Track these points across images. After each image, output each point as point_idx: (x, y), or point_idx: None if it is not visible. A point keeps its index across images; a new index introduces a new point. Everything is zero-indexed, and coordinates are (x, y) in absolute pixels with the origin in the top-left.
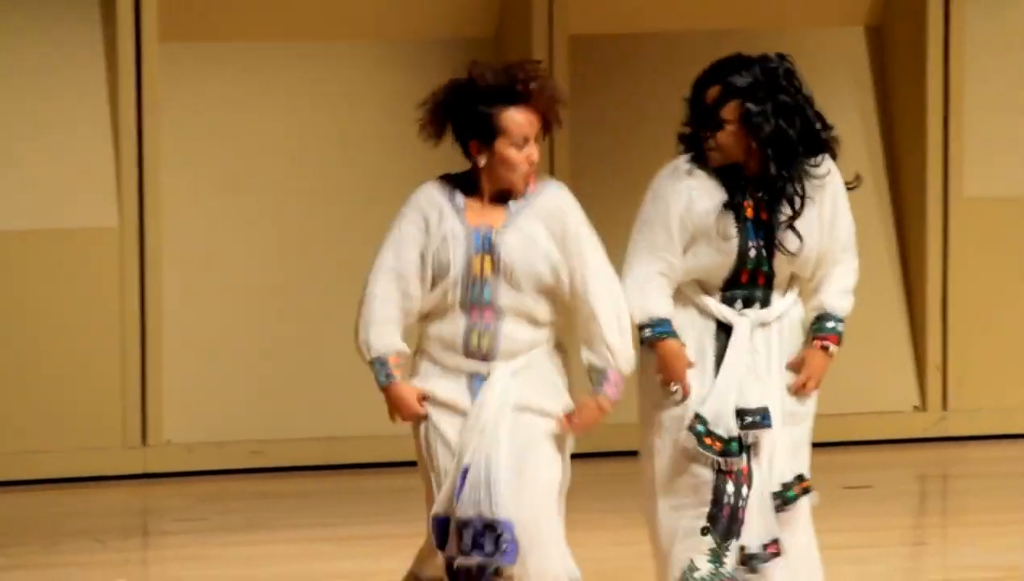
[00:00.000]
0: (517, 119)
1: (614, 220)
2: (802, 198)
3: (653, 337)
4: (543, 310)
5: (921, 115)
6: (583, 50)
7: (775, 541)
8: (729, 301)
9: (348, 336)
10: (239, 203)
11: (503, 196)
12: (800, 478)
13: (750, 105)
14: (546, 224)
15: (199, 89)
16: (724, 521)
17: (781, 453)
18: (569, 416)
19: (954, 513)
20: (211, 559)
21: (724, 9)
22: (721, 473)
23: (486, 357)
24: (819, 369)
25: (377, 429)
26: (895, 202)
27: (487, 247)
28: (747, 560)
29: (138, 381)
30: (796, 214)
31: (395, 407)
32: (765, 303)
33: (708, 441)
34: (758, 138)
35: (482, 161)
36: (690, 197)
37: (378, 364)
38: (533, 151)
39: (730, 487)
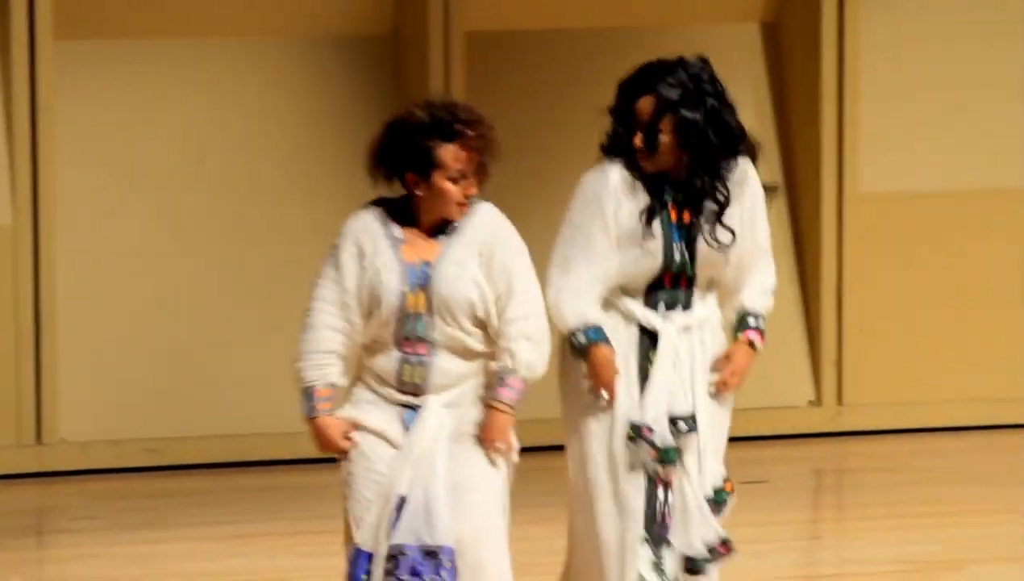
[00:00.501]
0: (454, 154)
1: (511, 215)
2: (726, 196)
3: (588, 343)
4: (477, 342)
5: (816, 111)
6: (479, 47)
7: (725, 541)
8: (652, 304)
9: (244, 334)
10: (134, 201)
11: (439, 226)
12: (725, 479)
13: (685, 113)
14: (478, 251)
15: (94, 87)
16: (656, 529)
17: (709, 457)
18: (483, 437)
19: (849, 507)
20: (107, 558)
21: (620, 6)
22: (653, 481)
23: (418, 390)
24: (743, 364)
25: (273, 427)
26: (790, 198)
27: (423, 282)
28: (692, 566)
29: (32, 379)
30: (722, 208)
31: (317, 440)
32: (687, 306)
33: (649, 451)
34: (688, 145)
35: (419, 193)
36: (618, 201)
37: (306, 395)
38: (470, 187)
39: (660, 494)
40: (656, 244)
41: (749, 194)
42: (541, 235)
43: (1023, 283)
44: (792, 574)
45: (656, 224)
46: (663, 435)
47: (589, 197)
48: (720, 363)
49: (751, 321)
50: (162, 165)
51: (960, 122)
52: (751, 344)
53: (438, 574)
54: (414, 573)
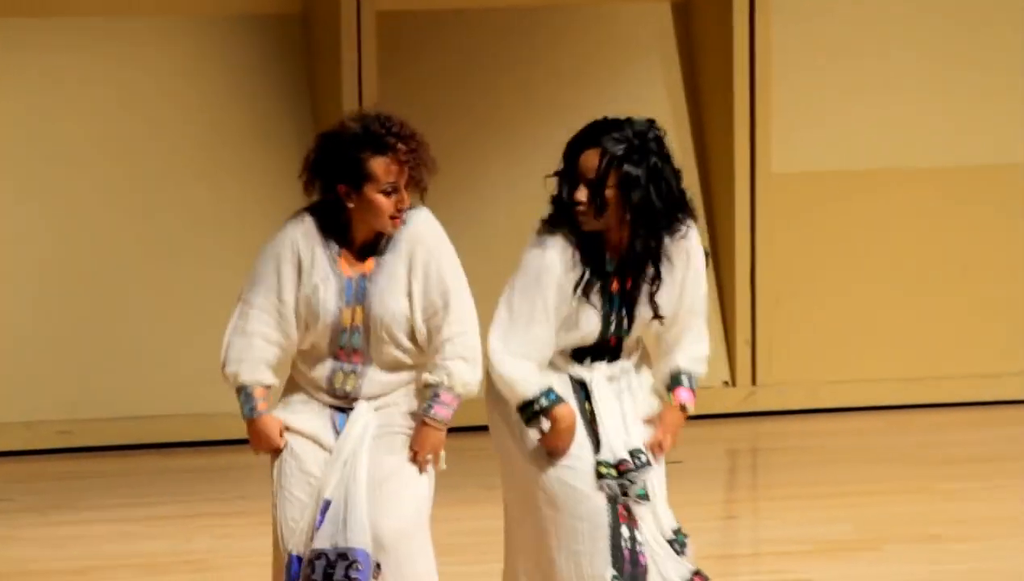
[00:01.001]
0: (385, 167)
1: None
2: (658, 271)
3: (549, 405)
4: (412, 353)
5: (728, 91)
6: (391, 27)
7: (697, 572)
8: (578, 358)
9: (155, 315)
10: (40, 181)
11: (374, 238)
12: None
13: (628, 169)
14: (411, 263)
15: (6, 64)
16: (628, 567)
17: (660, 498)
18: (412, 449)
19: (764, 487)
20: (19, 540)
21: None
22: (616, 518)
23: (349, 396)
24: (674, 426)
25: (186, 408)
26: (703, 178)
27: (360, 297)
28: None
29: None
30: (657, 285)
31: (256, 439)
32: (613, 358)
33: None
34: (629, 203)
35: (351, 205)
36: (559, 279)
37: (244, 395)
38: (402, 200)
39: (625, 531)
40: (594, 316)
41: (684, 255)
42: (453, 218)
43: (937, 262)
44: (708, 554)
45: (594, 296)
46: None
47: (531, 275)
48: (651, 421)
49: (684, 380)
50: (66, 145)
51: (872, 101)
52: (683, 407)
53: (347, 576)
54: (326, 576)
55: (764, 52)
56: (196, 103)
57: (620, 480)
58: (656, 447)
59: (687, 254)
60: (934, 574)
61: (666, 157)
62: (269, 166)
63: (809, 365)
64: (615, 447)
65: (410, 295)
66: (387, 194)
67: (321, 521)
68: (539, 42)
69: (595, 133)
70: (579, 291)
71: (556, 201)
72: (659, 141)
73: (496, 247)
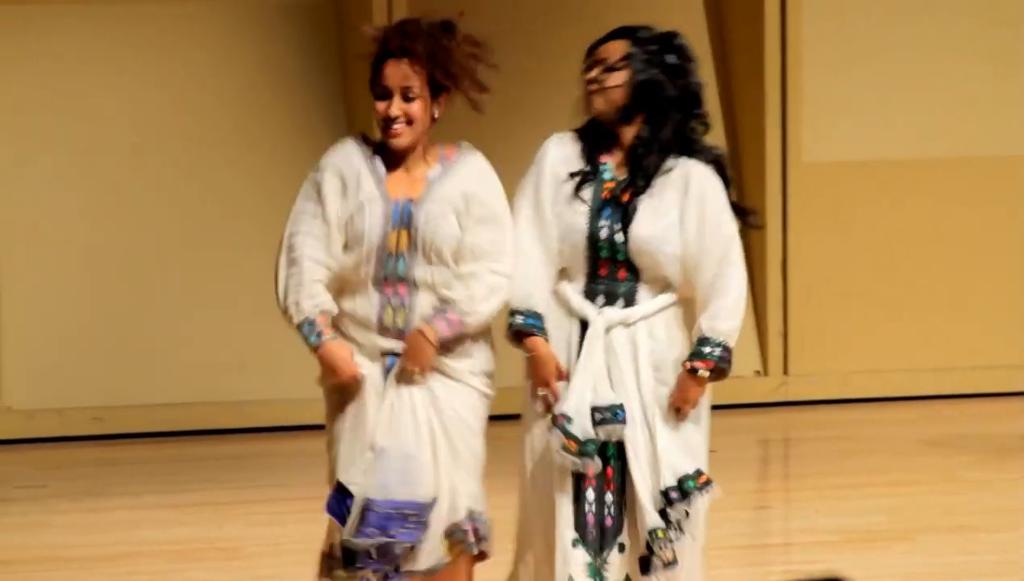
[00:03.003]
0: (384, 71)
1: None
2: (647, 178)
3: (522, 327)
4: (444, 281)
5: (759, 81)
6: (424, 11)
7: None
8: (591, 296)
9: (189, 302)
10: (74, 168)
11: (407, 160)
12: (699, 472)
13: (645, 52)
14: (461, 197)
15: (22, 52)
16: (592, 532)
17: (672, 451)
18: (403, 357)
19: (796, 477)
20: (52, 526)
21: None
22: (581, 478)
23: (401, 334)
24: (689, 394)
25: (219, 395)
26: (735, 168)
27: (406, 221)
28: (644, 567)
29: None
30: (644, 185)
31: (330, 367)
32: (630, 301)
33: (567, 442)
34: (637, 84)
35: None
36: (555, 165)
37: (307, 325)
38: (395, 106)
39: (591, 494)
40: (581, 216)
41: (696, 196)
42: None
43: (969, 251)
44: (740, 544)
45: (587, 191)
46: (583, 426)
47: (532, 166)
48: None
49: (705, 350)
50: (99, 132)
51: (903, 90)
52: (694, 373)
53: (404, 528)
54: (381, 528)
55: (795, 42)
56: (230, 89)
57: (576, 454)
58: (678, 414)
59: (694, 192)
60: (967, 564)
61: (688, 59)
62: (301, 152)
63: (841, 355)
64: (571, 400)
65: (458, 220)
66: (380, 99)
67: (377, 469)
68: (569, 32)
69: (621, 29)
70: (571, 184)
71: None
72: (683, 46)
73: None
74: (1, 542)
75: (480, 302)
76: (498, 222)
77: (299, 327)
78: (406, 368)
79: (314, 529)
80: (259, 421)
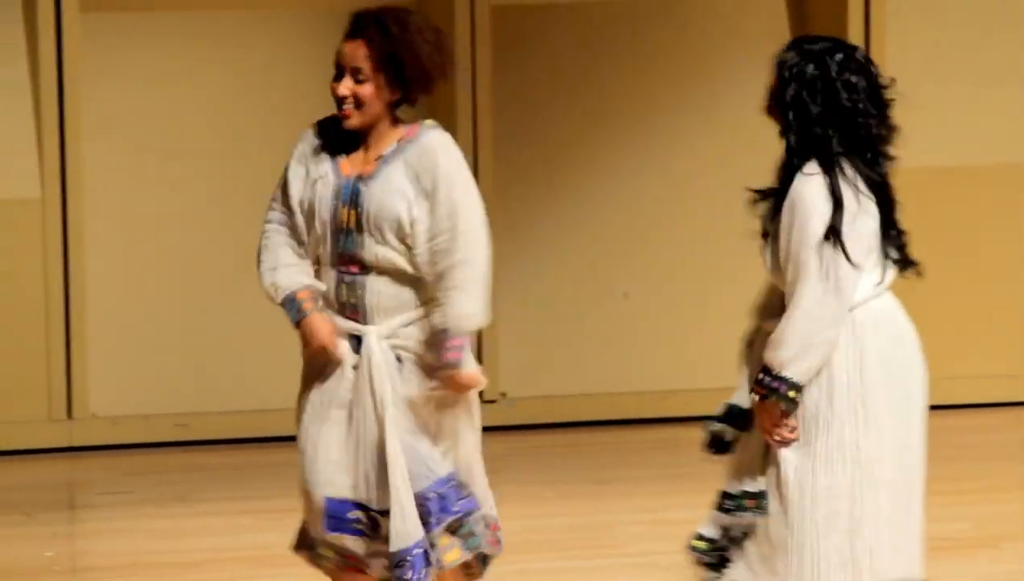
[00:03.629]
0: (339, 52)
1: (535, 190)
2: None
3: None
4: (408, 262)
5: None
6: (505, 21)
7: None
8: None
9: (274, 309)
10: (162, 173)
11: (363, 139)
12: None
13: (800, 64)
14: (416, 176)
15: (121, 59)
16: None
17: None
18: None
19: None
20: (138, 532)
21: None
22: None
23: (357, 314)
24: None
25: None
26: None
27: (354, 198)
28: None
29: (63, 354)
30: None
31: (310, 337)
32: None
33: None
34: (784, 94)
35: None
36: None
37: (288, 302)
38: (344, 85)
39: None
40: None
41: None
42: (566, 211)
43: None
44: None
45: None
46: None
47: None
48: None
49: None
50: (189, 136)
51: (993, 94)
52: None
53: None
54: (445, 510)
55: (879, 41)
56: (308, 96)
57: None
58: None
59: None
60: None
61: (845, 76)
62: None
63: (940, 360)
64: None
65: (406, 200)
66: (335, 79)
67: (354, 471)
68: (652, 35)
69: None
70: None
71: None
72: (844, 61)
73: (612, 240)
74: (87, 548)
75: (465, 307)
76: (452, 200)
77: (282, 306)
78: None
79: None
80: None
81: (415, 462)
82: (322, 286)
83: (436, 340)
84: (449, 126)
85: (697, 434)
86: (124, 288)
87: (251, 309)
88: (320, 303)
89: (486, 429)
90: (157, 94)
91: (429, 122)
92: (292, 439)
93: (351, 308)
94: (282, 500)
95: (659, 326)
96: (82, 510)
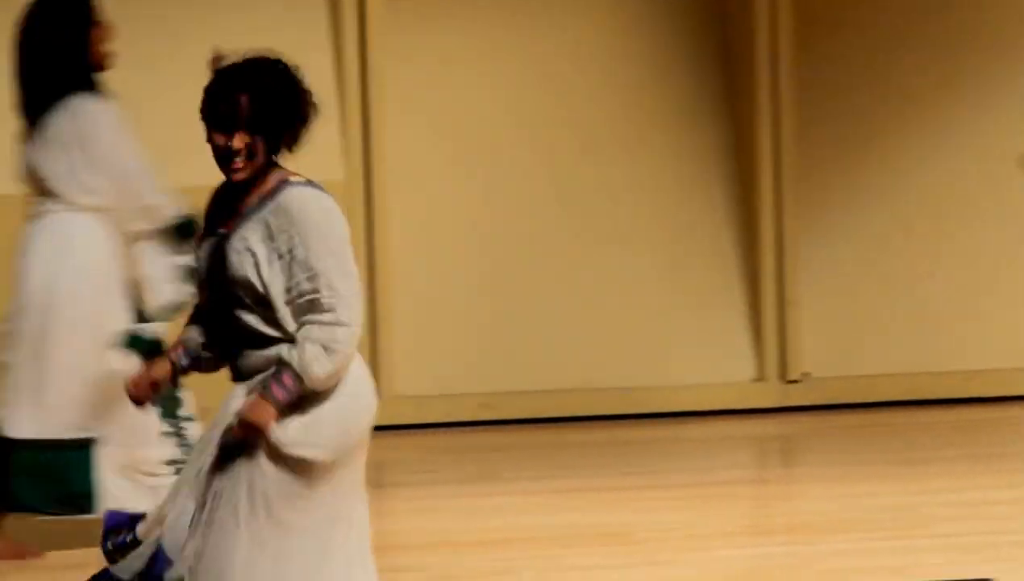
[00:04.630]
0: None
1: (837, 176)
2: None
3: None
4: (270, 322)
5: None
6: (806, 5)
7: None
8: None
9: (576, 289)
10: (465, 154)
11: (245, 196)
12: None
13: None
14: (271, 236)
15: (424, 40)
16: None
17: None
18: (238, 418)
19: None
20: (442, 511)
21: None
22: None
23: (231, 373)
24: None
25: (604, 382)
26: None
27: (218, 255)
28: None
29: (368, 335)
30: None
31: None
32: None
33: None
34: None
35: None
36: None
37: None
38: (234, 138)
39: None
40: None
41: None
42: (870, 194)
43: None
44: (885, 538)
45: None
46: None
47: None
48: None
49: None
50: (493, 117)
51: None
52: None
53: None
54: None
55: None
56: (614, 78)
57: None
58: None
59: None
60: None
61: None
62: (684, 141)
63: None
64: None
65: (257, 264)
66: (218, 132)
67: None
68: (956, 18)
69: None
70: None
71: None
72: None
73: (915, 221)
74: (393, 527)
75: (316, 364)
76: (325, 264)
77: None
78: (239, 430)
79: (700, 517)
80: (649, 407)
81: None
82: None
83: (276, 370)
84: (749, 112)
85: (1001, 414)
86: (428, 269)
87: (554, 290)
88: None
89: (784, 410)
90: (461, 74)
91: (296, 178)
92: (592, 419)
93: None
94: (587, 480)
95: (963, 307)
96: (389, 489)
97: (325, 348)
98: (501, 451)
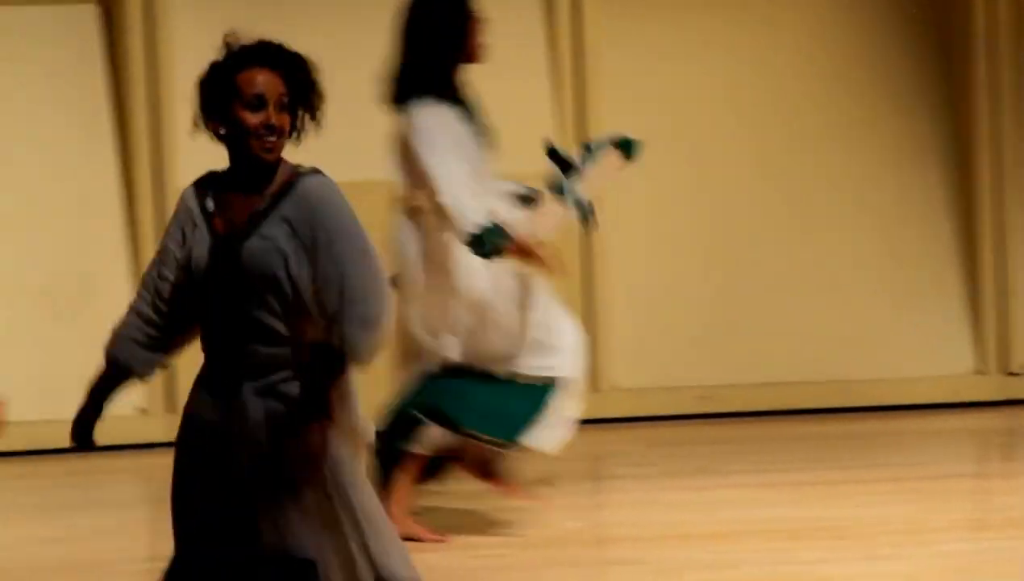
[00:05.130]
0: (249, 78)
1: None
2: None
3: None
4: (282, 324)
5: None
6: None
7: None
8: None
9: (794, 282)
10: (682, 146)
11: (255, 185)
12: None
13: None
14: (294, 229)
15: (637, 33)
16: None
17: None
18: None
19: None
20: (661, 504)
21: None
22: None
23: (233, 373)
24: None
25: (822, 374)
26: None
27: (230, 257)
28: None
29: (586, 328)
30: None
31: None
32: None
33: None
34: None
35: (222, 132)
36: None
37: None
38: (272, 116)
39: None
40: None
41: None
42: None
43: None
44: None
45: None
46: None
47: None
48: None
49: None
50: (709, 109)
51: None
52: None
53: None
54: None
55: None
56: (824, 68)
57: None
58: None
59: None
60: None
61: None
62: (901, 131)
63: None
64: None
65: (287, 264)
66: (253, 109)
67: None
68: None
69: None
70: None
71: None
72: None
73: None
74: (613, 519)
75: (361, 343)
76: (350, 249)
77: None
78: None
79: (918, 511)
80: (867, 400)
81: None
82: (143, 370)
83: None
84: (967, 100)
85: None
86: (645, 261)
87: (772, 282)
88: None
89: (1005, 403)
90: (676, 67)
91: (308, 166)
92: (816, 411)
93: (226, 368)
94: (806, 473)
95: None
96: (606, 481)
97: (364, 325)
98: (719, 444)
